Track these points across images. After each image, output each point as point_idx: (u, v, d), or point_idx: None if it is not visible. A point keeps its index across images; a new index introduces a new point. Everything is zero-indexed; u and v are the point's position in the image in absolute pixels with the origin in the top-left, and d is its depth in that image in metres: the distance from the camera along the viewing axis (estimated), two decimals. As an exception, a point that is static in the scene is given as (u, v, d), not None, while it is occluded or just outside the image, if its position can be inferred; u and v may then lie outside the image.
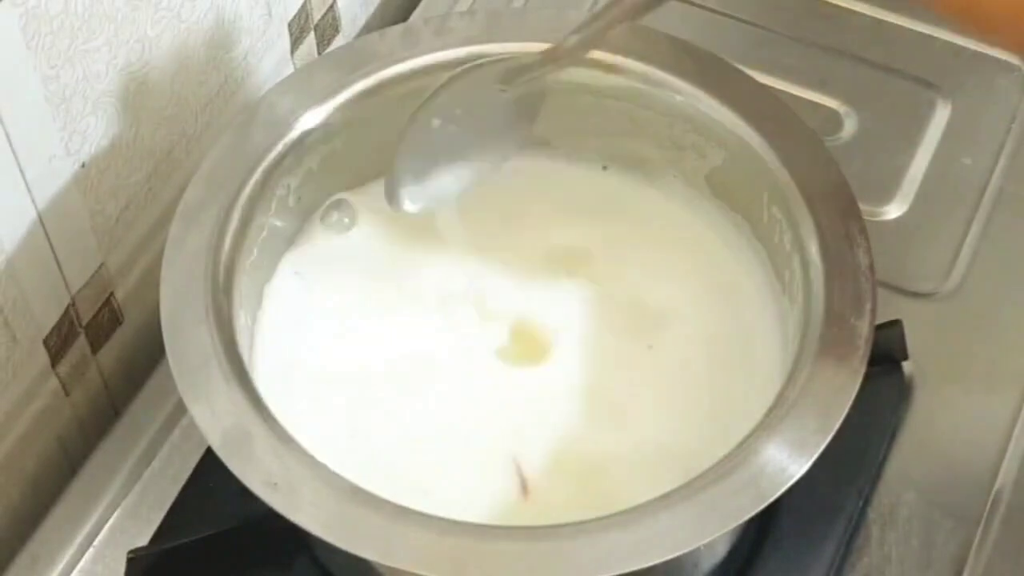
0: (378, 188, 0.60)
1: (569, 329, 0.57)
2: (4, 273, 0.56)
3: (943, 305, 0.65)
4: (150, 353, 0.64)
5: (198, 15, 0.61)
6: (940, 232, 0.67)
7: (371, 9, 0.77)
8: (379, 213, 0.60)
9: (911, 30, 0.74)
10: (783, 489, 0.47)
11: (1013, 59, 0.73)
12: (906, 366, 0.62)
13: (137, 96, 0.60)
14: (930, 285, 0.65)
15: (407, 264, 0.59)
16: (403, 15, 0.77)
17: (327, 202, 0.60)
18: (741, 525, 0.47)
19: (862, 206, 0.54)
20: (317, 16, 0.71)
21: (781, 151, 0.55)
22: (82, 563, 0.59)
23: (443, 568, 0.46)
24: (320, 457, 0.49)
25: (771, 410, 0.49)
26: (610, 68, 0.58)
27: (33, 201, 0.56)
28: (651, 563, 0.45)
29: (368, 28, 0.77)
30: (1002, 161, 0.69)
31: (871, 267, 0.52)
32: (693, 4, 0.76)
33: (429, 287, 0.59)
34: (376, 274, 0.59)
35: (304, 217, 0.59)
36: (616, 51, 0.58)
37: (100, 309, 0.63)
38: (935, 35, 0.74)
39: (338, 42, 0.74)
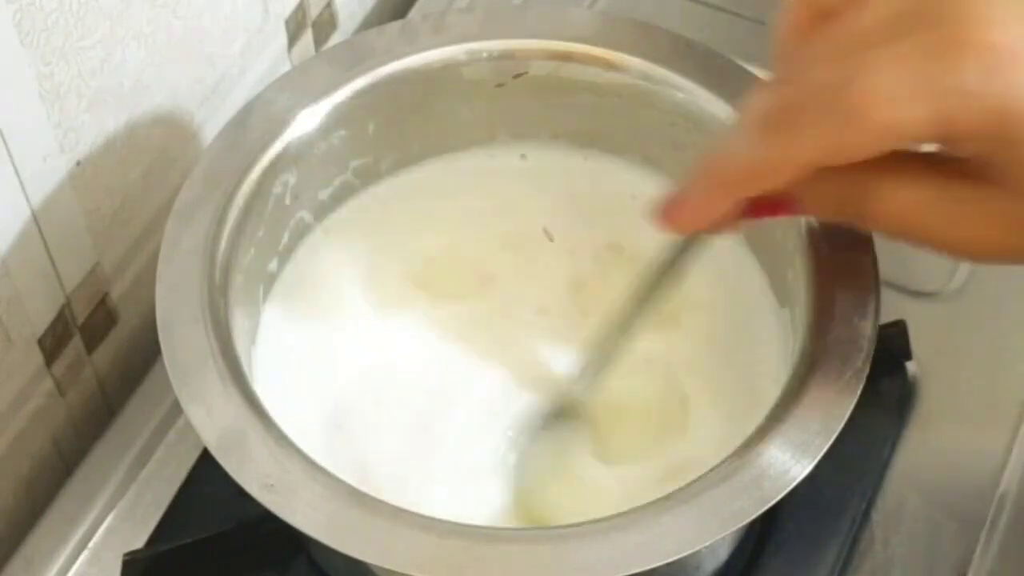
0: (376, 188, 0.60)
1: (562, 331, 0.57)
2: (-2, 272, 0.56)
3: (947, 305, 0.64)
4: (146, 353, 0.64)
5: (194, 12, 0.61)
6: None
7: (369, 6, 0.77)
8: (378, 214, 0.60)
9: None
10: (786, 491, 0.46)
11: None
12: (910, 366, 0.62)
13: (132, 94, 0.59)
14: (934, 285, 0.65)
15: (407, 264, 0.59)
16: (401, 12, 0.77)
17: (323, 201, 0.59)
18: (744, 527, 0.46)
19: (866, 204, 0.53)
20: (314, 13, 0.71)
21: (783, 149, 0.55)
22: (77, 565, 0.59)
23: (441, 571, 0.46)
24: (317, 459, 0.48)
25: (774, 411, 0.49)
26: (611, 65, 0.58)
27: (27, 199, 0.56)
28: (653, 566, 0.45)
29: (366, 25, 0.77)
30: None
31: (875, 266, 0.51)
32: (695, 0, 0.75)
33: (429, 288, 0.58)
34: (375, 274, 0.59)
35: (301, 215, 0.58)
36: (617, 48, 0.58)
37: (95, 309, 0.63)
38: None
39: (335, 39, 0.74)
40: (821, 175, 0.43)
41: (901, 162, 0.43)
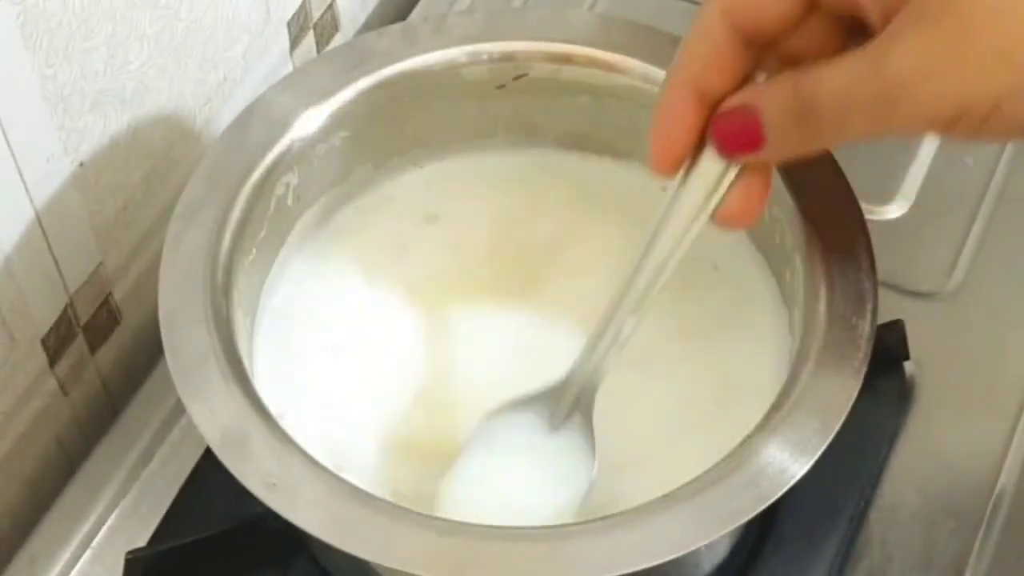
0: (378, 190, 0.60)
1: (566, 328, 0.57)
2: (2, 273, 0.56)
3: (945, 305, 0.65)
4: (148, 353, 0.64)
5: (196, 14, 0.61)
6: (942, 231, 0.67)
7: (370, 8, 0.77)
8: (378, 215, 0.60)
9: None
10: (784, 489, 0.47)
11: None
12: (908, 366, 0.62)
13: (135, 95, 0.59)
14: (932, 285, 0.65)
15: (406, 266, 0.59)
16: (402, 14, 0.77)
17: (326, 202, 0.59)
18: (742, 525, 0.46)
19: (863, 205, 0.53)
20: (316, 15, 0.71)
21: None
22: (80, 564, 0.59)
23: (442, 569, 0.46)
24: (319, 457, 0.48)
25: (772, 410, 0.49)
26: (611, 67, 0.58)
27: (31, 200, 0.56)
28: (652, 563, 0.45)
29: (367, 27, 0.77)
30: (1003, 160, 0.69)
31: (872, 267, 0.52)
32: (694, 3, 0.75)
33: (429, 289, 0.58)
34: (376, 275, 0.59)
35: (303, 217, 0.59)
36: (616, 49, 0.58)
37: (98, 309, 0.63)
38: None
39: (337, 41, 0.74)
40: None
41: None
